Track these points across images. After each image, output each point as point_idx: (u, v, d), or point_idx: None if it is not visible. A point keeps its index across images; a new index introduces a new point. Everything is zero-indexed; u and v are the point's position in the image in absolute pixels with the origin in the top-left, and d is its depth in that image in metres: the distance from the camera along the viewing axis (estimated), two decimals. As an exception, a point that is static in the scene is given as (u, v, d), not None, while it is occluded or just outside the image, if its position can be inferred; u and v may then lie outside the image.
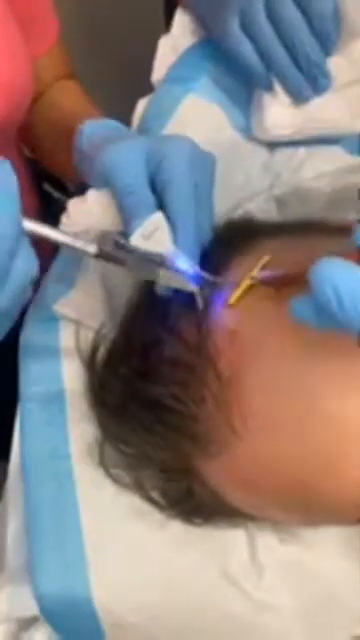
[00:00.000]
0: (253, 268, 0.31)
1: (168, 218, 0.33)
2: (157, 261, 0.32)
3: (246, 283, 0.30)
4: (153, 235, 0.33)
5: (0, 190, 0.26)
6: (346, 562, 0.39)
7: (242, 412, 0.30)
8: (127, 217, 0.33)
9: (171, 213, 0.33)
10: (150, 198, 0.33)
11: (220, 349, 0.31)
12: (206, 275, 0.32)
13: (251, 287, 0.30)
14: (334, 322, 0.21)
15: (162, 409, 0.32)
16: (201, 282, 0.32)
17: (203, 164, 0.36)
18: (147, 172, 0.34)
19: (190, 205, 0.33)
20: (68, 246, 0.33)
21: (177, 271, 0.32)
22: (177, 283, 0.32)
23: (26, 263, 0.28)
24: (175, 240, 0.33)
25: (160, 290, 0.34)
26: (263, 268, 0.30)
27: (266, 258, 0.30)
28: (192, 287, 0.32)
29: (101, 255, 0.33)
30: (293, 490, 0.31)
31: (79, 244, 0.33)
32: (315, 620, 0.38)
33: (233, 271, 0.32)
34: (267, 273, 0.29)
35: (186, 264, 0.32)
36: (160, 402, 0.32)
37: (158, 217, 0.33)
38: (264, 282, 0.30)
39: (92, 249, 0.33)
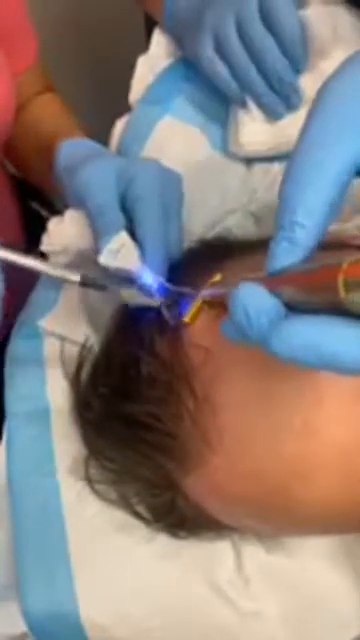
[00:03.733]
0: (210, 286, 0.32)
1: (137, 235, 0.35)
2: (126, 277, 0.34)
3: (198, 302, 0.31)
4: (120, 252, 0.34)
5: None
6: (331, 570, 0.39)
7: (217, 428, 0.31)
8: (98, 237, 0.35)
9: (140, 230, 0.35)
10: (120, 218, 0.35)
11: (194, 367, 0.31)
12: (172, 287, 0.33)
13: (203, 305, 0.31)
14: (251, 340, 0.22)
15: (141, 427, 0.33)
16: (168, 295, 0.33)
17: (170, 183, 0.37)
18: (117, 192, 0.36)
19: (158, 222, 0.35)
20: (49, 275, 0.34)
21: (144, 285, 0.34)
22: (144, 300, 0.34)
23: None
24: (143, 256, 0.34)
25: (130, 305, 0.35)
26: (213, 286, 0.31)
27: (217, 277, 0.31)
28: (157, 300, 0.33)
29: (84, 283, 0.34)
30: (269, 501, 0.31)
31: (59, 272, 0.34)
32: (301, 627, 0.38)
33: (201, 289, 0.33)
34: (211, 292, 0.30)
35: (152, 279, 0.34)
36: (138, 420, 0.33)
37: (123, 235, 0.35)
38: (209, 302, 0.31)
39: (75, 277, 0.34)
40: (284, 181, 0.23)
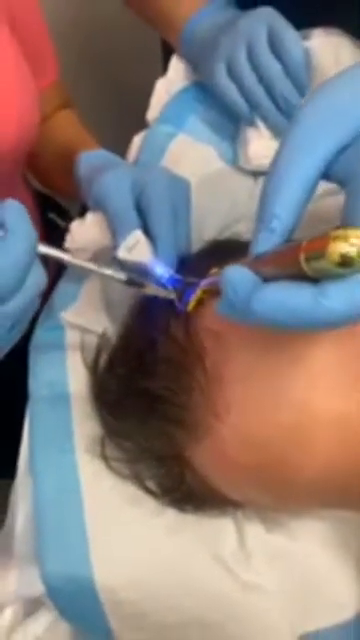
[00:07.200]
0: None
1: (150, 233, 0.39)
2: (140, 269, 0.38)
3: (198, 292, 0.36)
4: (135, 248, 0.39)
5: (20, 221, 0.31)
6: (328, 555, 0.42)
7: (224, 400, 0.34)
8: (116, 235, 0.40)
9: (153, 229, 0.39)
10: (135, 219, 0.40)
11: (206, 347, 0.35)
12: (181, 278, 0.38)
13: (203, 295, 0.36)
14: (238, 310, 0.27)
15: (155, 400, 0.36)
16: (178, 285, 0.38)
17: (179, 188, 0.42)
18: (132, 197, 0.40)
19: (169, 222, 0.40)
20: (102, 274, 0.38)
21: (156, 276, 0.38)
22: (157, 292, 0.38)
23: (38, 277, 0.33)
24: (156, 251, 0.39)
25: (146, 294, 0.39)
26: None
27: (214, 270, 0.36)
28: (169, 294, 0.38)
29: (129, 282, 0.38)
30: (271, 469, 0.34)
31: (108, 272, 0.38)
32: (298, 604, 0.41)
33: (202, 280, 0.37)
34: (209, 281, 0.35)
35: (164, 270, 0.38)
36: (153, 393, 0.36)
37: (137, 233, 0.39)
38: (207, 291, 0.35)
39: (122, 276, 0.38)
40: (265, 181, 0.28)
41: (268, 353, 0.33)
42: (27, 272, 0.32)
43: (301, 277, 0.25)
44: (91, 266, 0.37)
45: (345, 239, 0.23)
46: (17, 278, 0.31)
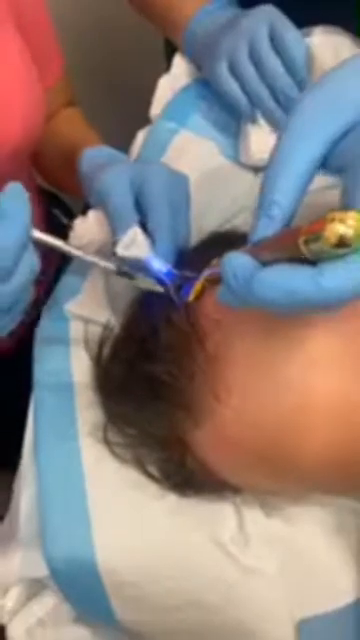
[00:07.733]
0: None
1: (149, 229, 0.40)
2: (139, 265, 0.39)
3: (200, 282, 0.37)
4: (133, 244, 0.40)
5: (16, 206, 0.31)
6: (328, 538, 0.42)
7: (225, 384, 0.35)
8: (115, 232, 0.41)
9: (151, 224, 0.40)
10: (133, 215, 0.41)
11: (207, 334, 0.36)
12: (177, 272, 0.39)
13: (205, 284, 0.37)
14: (239, 295, 0.28)
15: (158, 384, 0.37)
16: (175, 278, 0.39)
17: (178, 183, 0.43)
18: (131, 193, 0.41)
19: (167, 217, 0.40)
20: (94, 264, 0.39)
21: (152, 271, 0.39)
22: (145, 284, 0.39)
23: (30, 263, 0.33)
24: (154, 246, 0.40)
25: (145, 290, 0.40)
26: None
27: (215, 261, 0.36)
28: (159, 288, 0.39)
29: (119, 272, 0.39)
30: (270, 452, 0.35)
31: (102, 263, 0.39)
32: (297, 588, 0.41)
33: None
34: (210, 271, 0.36)
35: (160, 264, 0.39)
36: (156, 378, 0.37)
37: (135, 230, 0.40)
38: (209, 280, 0.36)
39: (111, 266, 0.39)
40: (266, 170, 0.29)
41: (268, 337, 0.34)
42: (19, 256, 0.31)
43: (300, 261, 0.26)
44: (82, 254, 0.38)
45: (342, 221, 0.24)
46: (9, 261, 0.31)
